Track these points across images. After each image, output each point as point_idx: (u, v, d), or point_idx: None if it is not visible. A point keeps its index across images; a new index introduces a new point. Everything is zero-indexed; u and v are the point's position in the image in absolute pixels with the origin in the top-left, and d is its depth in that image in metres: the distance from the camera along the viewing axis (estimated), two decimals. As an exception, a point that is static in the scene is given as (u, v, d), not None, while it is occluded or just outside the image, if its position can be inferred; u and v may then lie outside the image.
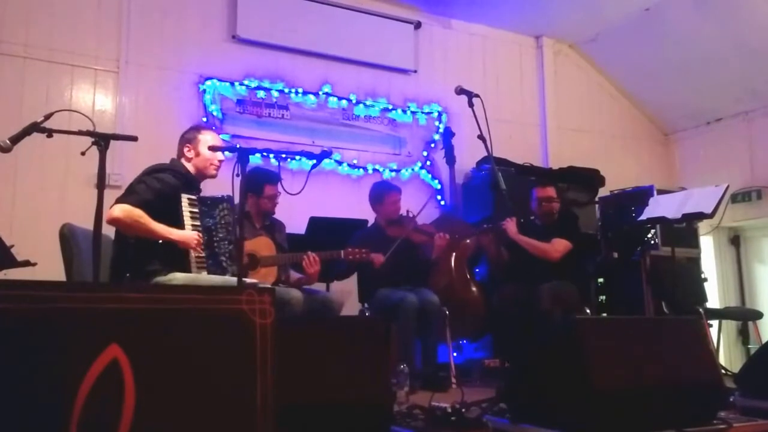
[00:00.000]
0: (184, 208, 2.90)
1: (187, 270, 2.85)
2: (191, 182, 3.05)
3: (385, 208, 4.28)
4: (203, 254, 2.92)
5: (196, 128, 3.21)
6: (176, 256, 2.85)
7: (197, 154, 3.07)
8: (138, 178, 2.89)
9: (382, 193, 4.31)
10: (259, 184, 3.64)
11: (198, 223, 2.94)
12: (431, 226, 4.40)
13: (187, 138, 3.11)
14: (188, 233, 2.87)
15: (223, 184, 2.89)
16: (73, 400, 1.33)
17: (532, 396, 2.26)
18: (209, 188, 3.31)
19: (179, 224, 2.87)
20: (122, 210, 2.73)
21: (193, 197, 2.98)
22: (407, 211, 4.30)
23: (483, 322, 4.40)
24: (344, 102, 5.20)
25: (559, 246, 4.15)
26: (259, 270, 3.47)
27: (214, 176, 3.12)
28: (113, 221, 2.73)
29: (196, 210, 2.96)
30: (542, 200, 4.32)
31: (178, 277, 2.81)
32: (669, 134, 6.69)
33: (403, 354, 3.66)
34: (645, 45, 5.83)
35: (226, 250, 2.99)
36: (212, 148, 3.00)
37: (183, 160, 3.09)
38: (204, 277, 2.88)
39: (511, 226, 4.23)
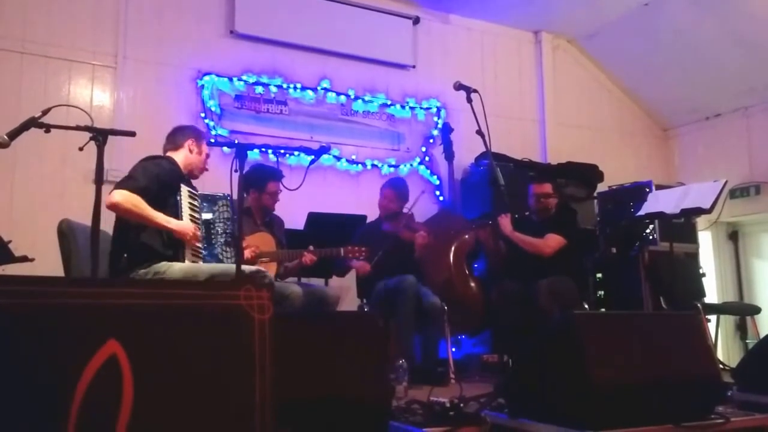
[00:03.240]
0: (183, 199, 2.92)
1: (182, 259, 2.86)
2: (183, 177, 3.08)
3: (381, 203, 4.33)
4: (199, 246, 2.93)
5: (204, 136, 3.29)
6: (176, 242, 2.87)
7: (199, 154, 3.12)
8: (136, 165, 2.92)
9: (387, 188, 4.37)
10: (262, 180, 3.66)
11: (197, 215, 2.97)
12: (421, 224, 4.37)
13: (197, 135, 3.16)
14: (186, 224, 2.88)
15: (221, 179, 2.88)
16: (71, 395, 1.33)
17: (530, 391, 2.26)
18: (208, 183, 3.31)
19: (177, 213, 2.88)
20: (120, 195, 2.75)
21: (194, 191, 3.01)
22: (405, 208, 4.30)
23: (482, 318, 4.40)
24: (343, 97, 5.19)
25: (551, 242, 4.13)
26: (259, 265, 3.47)
27: (195, 178, 3.20)
28: (111, 206, 2.75)
29: (195, 203, 3.00)
30: (539, 196, 4.30)
31: (175, 267, 2.81)
32: (668, 129, 6.69)
33: (403, 336, 3.66)
34: (644, 40, 5.82)
35: (222, 243, 3.02)
36: (208, 157, 3.18)
37: (180, 151, 3.09)
38: (204, 265, 2.88)
39: (505, 222, 4.22)
